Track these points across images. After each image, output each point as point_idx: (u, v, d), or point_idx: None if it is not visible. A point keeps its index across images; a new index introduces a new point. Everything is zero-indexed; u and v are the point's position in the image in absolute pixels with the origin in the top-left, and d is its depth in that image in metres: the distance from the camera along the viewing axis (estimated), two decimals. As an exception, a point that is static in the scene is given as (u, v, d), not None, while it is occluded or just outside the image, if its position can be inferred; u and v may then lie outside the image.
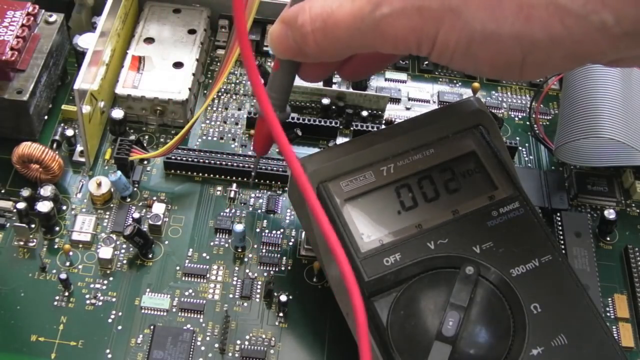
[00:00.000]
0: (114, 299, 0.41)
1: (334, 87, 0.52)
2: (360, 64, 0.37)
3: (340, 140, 0.50)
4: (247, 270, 0.43)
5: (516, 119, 0.53)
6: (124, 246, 0.44)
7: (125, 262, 0.43)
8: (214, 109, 0.51)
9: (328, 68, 0.38)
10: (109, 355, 0.39)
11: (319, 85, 0.51)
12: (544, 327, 0.33)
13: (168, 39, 0.51)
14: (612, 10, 0.25)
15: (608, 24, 0.25)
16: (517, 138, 0.51)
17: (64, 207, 0.45)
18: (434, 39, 0.28)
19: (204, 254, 0.44)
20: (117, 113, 0.47)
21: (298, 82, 0.52)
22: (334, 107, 0.50)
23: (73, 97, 0.49)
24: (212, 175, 0.47)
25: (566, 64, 0.28)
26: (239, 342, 0.40)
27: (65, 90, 0.51)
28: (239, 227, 0.43)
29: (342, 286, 0.36)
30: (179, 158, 0.46)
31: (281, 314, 0.41)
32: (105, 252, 0.42)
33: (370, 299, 0.34)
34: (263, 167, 0.46)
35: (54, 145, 0.47)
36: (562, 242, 0.45)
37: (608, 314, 0.43)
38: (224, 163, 0.47)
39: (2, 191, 0.45)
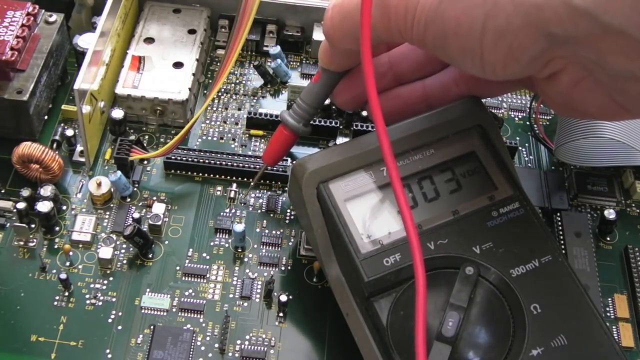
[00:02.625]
0: (114, 299, 0.41)
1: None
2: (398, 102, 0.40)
3: (340, 140, 0.50)
4: (247, 270, 0.43)
5: (516, 119, 0.53)
6: (124, 246, 0.44)
7: (125, 262, 0.43)
8: (214, 109, 0.51)
9: (360, 94, 0.39)
10: (109, 355, 0.39)
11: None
12: (544, 328, 0.33)
13: (168, 39, 0.51)
14: None
15: None
16: (517, 138, 0.51)
17: (64, 207, 0.45)
18: (417, 4, 0.30)
19: (204, 254, 0.44)
20: (117, 113, 0.47)
21: (298, 82, 0.53)
22: (334, 107, 0.50)
23: (73, 97, 0.49)
24: (212, 175, 0.47)
25: (524, 36, 0.28)
26: (239, 342, 0.40)
27: (65, 90, 0.51)
28: (239, 227, 0.43)
29: (342, 286, 0.36)
30: (179, 158, 0.46)
31: (281, 314, 0.41)
32: (105, 252, 0.42)
33: (370, 299, 0.34)
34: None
35: (54, 145, 0.47)
36: (562, 242, 0.45)
37: (608, 314, 0.43)
38: (224, 163, 0.47)
39: (2, 191, 0.45)
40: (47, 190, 0.44)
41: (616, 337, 0.41)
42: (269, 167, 0.45)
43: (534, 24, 0.27)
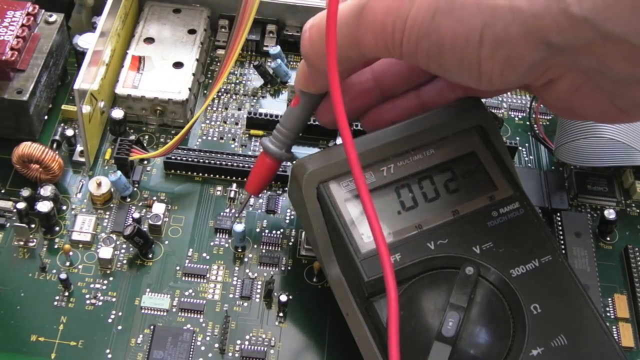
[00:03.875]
0: (114, 299, 0.41)
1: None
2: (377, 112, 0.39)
3: (340, 140, 0.49)
4: (247, 270, 0.43)
5: (516, 119, 0.53)
6: (124, 246, 0.44)
7: (125, 262, 0.43)
8: (214, 109, 0.51)
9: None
10: (109, 355, 0.39)
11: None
12: (544, 328, 0.33)
13: (168, 39, 0.51)
14: None
15: (569, 0, 0.25)
16: (517, 138, 0.51)
17: (64, 207, 0.45)
18: (406, 19, 0.29)
19: (204, 254, 0.44)
20: (117, 113, 0.47)
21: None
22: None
23: (73, 97, 0.49)
24: (212, 175, 0.47)
25: (523, 45, 0.27)
26: (239, 342, 0.40)
27: (65, 90, 0.51)
28: (239, 227, 0.43)
29: (342, 286, 0.36)
30: (179, 158, 0.46)
31: (281, 314, 0.41)
32: (105, 252, 0.42)
33: (370, 299, 0.34)
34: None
35: (54, 145, 0.47)
36: (562, 242, 0.45)
37: (608, 314, 0.43)
38: (224, 163, 0.47)
39: (2, 191, 0.45)
40: (47, 190, 0.44)
41: (616, 337, 0.41)
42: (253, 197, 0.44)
43: (533, 32, 0.26)
